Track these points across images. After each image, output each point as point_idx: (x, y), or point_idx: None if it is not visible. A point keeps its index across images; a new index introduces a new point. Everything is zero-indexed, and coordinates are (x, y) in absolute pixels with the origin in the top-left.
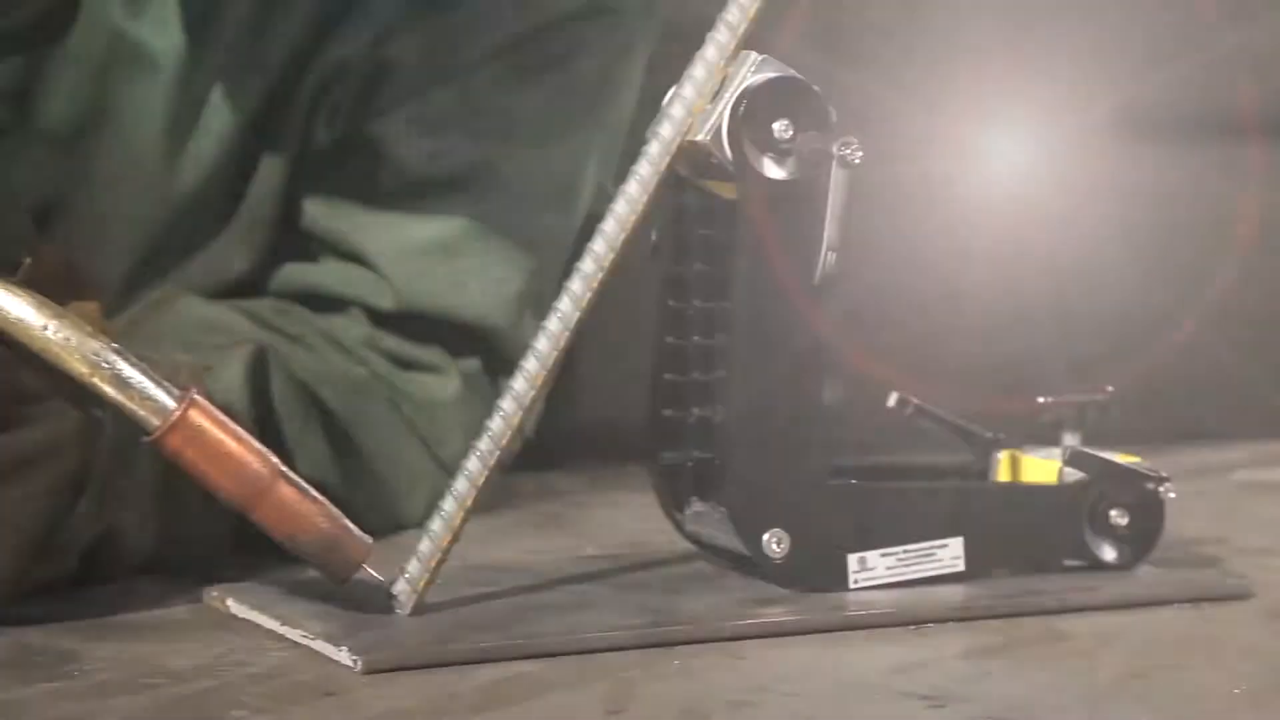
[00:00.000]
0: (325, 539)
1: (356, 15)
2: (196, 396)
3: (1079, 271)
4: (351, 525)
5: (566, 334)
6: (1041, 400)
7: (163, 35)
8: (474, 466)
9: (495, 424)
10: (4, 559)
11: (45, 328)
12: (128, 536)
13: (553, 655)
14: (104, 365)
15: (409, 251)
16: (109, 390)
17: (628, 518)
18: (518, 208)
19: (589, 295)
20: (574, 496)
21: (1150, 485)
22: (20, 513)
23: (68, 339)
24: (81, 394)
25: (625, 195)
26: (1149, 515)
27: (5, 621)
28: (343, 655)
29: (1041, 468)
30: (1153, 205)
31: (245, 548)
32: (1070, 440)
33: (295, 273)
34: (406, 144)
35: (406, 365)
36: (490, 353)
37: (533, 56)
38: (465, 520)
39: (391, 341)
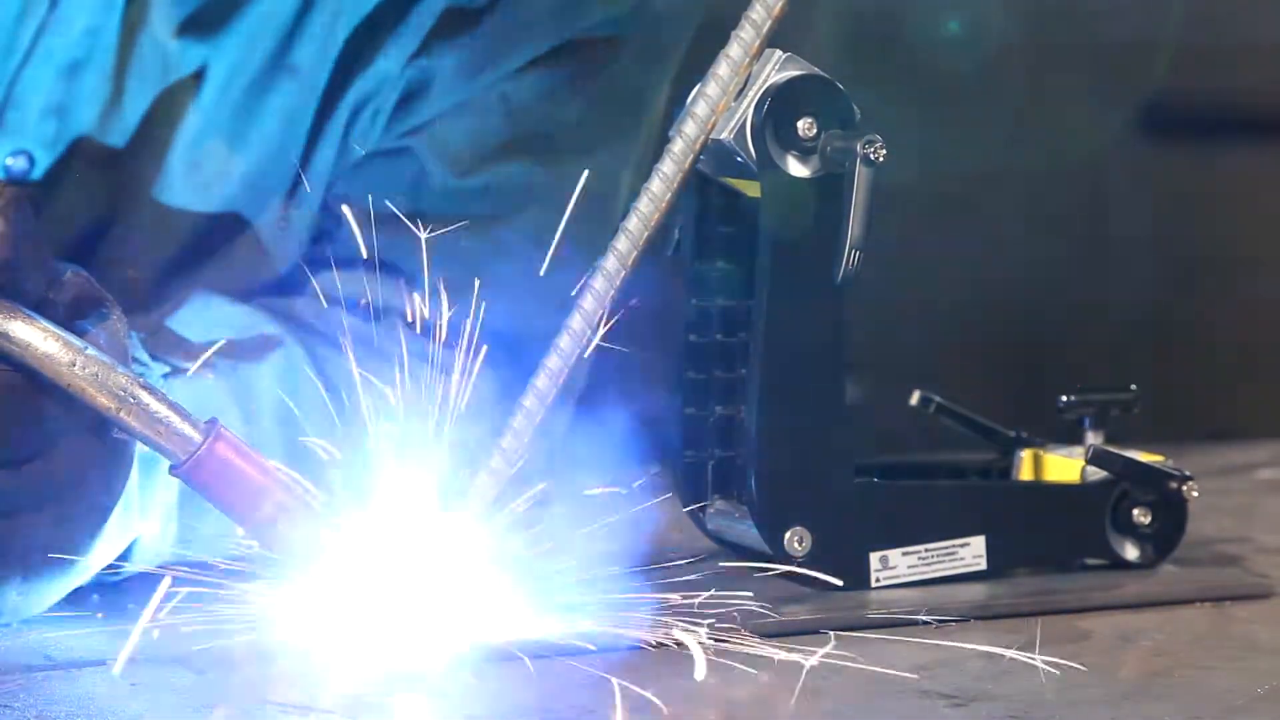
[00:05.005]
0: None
1: (397, 27)
2: (222, 429)
3: (1104, 271)
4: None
5: (589, 331)
6: (1064, 399)
7: (204, 48)
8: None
9: (516, 421)
10: (43, 583)
11: (73, 364)
12: (149, 543)
13: (573, 654)
14: (130, 400)
15: (449, 269)
16: (135, 424)
17: (650, 516)
18: (557, 222)
19: (612, 292)
20: (593, 496)
21: (1174, 484)
22: (55, 537)
23: (95, 374)
24: (102, 420)
25: (649, 192)
26: (1172, 514)
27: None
28: None
29: (1064, 466)
30: (1179, 205)
31: None
32: (1093, 439)
33: (334, 279)
34: (455, 172)
35: (443, 371)
36: (529, 361)
37: (572, 67)
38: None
39: (427, 349)
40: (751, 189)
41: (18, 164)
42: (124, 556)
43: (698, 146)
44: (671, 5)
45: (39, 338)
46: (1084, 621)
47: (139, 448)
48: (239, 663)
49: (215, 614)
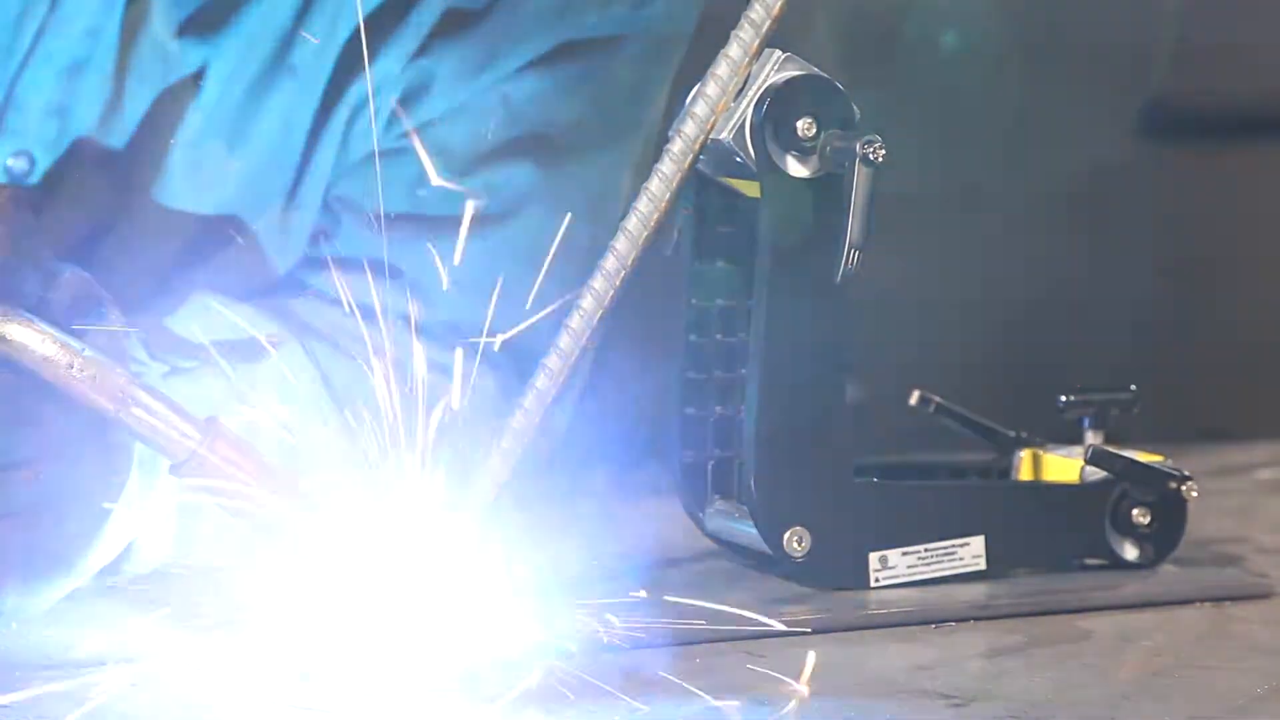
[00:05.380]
0: None
1: (397, 27)
2: (222, 428)
3: (1104, 271)
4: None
5: (589, 331)
6: (1064, 399)
7: (204, 48)
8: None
9: (516, 421)
10: (43, 583)
11: (71, 366)
12: (148, 544)
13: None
14: (130, 400)
15: (448, 269)
16: (134, 425)
17: (650, 516)
18: (556, 223)
19: (612, 292)
20: (596, 496)
21: (1173, 484)
22: (55, 538)
23: (93, 376)
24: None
25: (648, 192)
26: (1171, 514)
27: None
28: None
29: (1063, 466)
30: (1179, 205)
31: None
32: (1093, 439)
33: (334, 279)
34: (454, 172)
35: (440, 371)
36: (525, 361)
37: (572, 67)
38: None
39: (425, 349)
40: (751, 189)
41: (18, 165)
42: (123, 557)
43: (697, 146)
44: (671, 5)
45: (37, 340)
46: (1084, 621)
47: (139, 448)
48: (240, 661)
49: (216, 612)
